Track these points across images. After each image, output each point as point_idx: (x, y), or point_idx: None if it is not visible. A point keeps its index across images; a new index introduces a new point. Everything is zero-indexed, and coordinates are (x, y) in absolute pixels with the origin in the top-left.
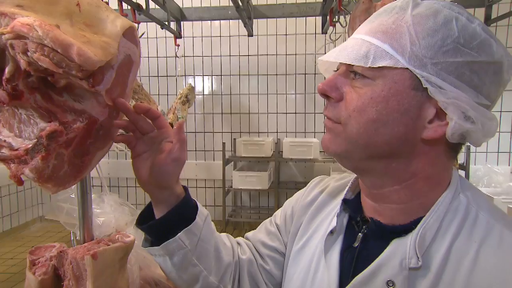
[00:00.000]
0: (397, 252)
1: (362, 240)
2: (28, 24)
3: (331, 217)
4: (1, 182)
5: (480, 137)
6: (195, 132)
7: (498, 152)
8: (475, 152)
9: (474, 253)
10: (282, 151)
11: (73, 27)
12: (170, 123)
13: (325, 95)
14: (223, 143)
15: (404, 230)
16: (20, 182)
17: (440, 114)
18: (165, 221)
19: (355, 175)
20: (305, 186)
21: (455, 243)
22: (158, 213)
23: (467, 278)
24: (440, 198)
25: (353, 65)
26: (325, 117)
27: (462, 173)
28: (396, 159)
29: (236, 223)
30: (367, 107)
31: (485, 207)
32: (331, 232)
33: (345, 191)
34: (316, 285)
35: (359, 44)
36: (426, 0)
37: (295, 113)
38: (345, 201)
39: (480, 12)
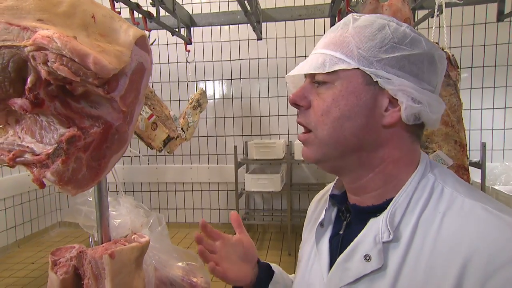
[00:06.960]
0: (372, 230)
1: (346, 227)
2: (48, 36)
3: (322, 212)
4: (21, 189)
5: (431, 116)
6: (207, 136)
7: None
8: (491, 150)
9: (439, 222)
10: (294, 153)
11: (89, 37)
12: (181, 127)
13: (296, 105)
14: (235, 146)
15: (378, 210)
16: (42, 185)
17: (393, 102)
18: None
19: None
20: (317, 187)
21: (422, 216)
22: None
23: (433, 244)
24: (409, 179)
25: (315, 75)
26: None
27: (477, 171)
28: (366, 149)
29: (250, 225)
30: (331, 108)
31: (450, 183)
32: (322, 224)
33: (331, 188)
34: (313, 273)
35: (317, 57)
36: (364, 15)
37: None
38: (332, 197)
39: (492, 8)
